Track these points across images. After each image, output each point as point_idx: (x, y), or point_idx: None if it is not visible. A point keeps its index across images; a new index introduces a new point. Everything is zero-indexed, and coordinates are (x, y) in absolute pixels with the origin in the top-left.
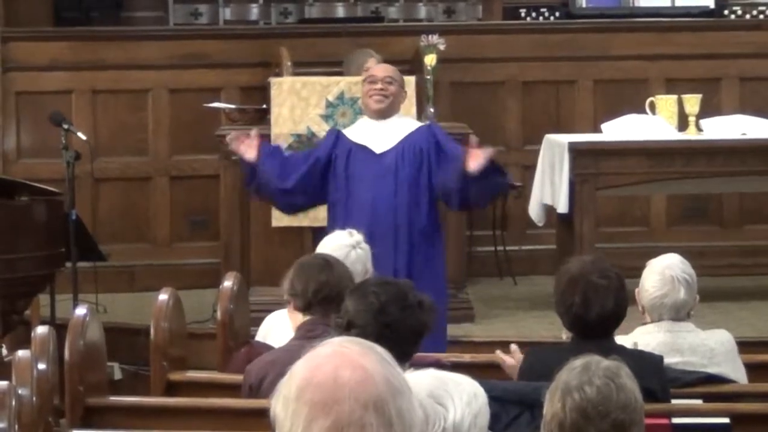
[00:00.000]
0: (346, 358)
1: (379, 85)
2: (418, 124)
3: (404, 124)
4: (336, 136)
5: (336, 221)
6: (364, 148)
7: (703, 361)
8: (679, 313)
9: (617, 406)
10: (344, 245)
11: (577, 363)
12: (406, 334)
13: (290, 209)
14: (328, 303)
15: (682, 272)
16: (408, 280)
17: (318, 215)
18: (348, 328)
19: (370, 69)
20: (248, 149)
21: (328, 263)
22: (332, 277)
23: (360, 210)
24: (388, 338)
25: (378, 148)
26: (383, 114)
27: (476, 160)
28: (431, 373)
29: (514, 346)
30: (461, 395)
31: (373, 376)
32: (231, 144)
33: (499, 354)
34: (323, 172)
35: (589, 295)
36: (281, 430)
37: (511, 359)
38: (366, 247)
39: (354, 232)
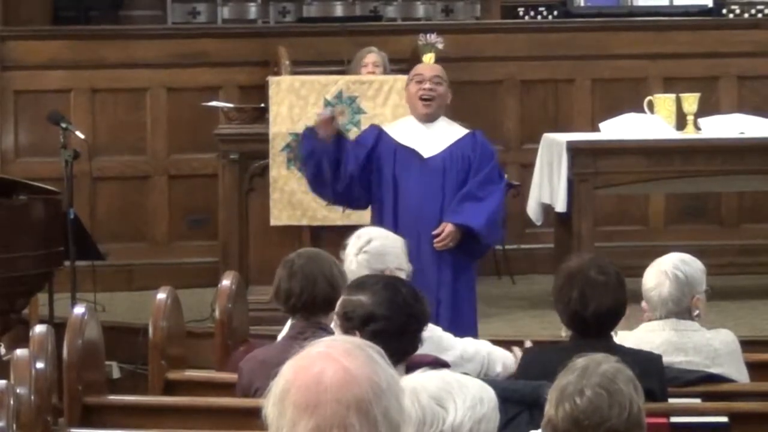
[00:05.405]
0: (331, 358)
1: (427, 85)
2: (465, 131)
3: (452, 130)
4: (378, 134)
5: (383, 221)
6: (410, 151)
7: (706, 362)
8: (675, 308)
9: (610, 416)
10: (349, 254)
11: (578, 365)
12: (418, 325)
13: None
14: (304, 308)
15: (673, 268)
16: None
17: (317, 214)
18: (366, 323)
19: (417, 67)
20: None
21: (293, 271)
22: (295, 284)
23: (408, 213)
24: (409, 330)
25: (425, 152)
26: (430, 117)
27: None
28: (440, 374)
29: (516, 349)
30: (465, 398)
31: (356, 376)
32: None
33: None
34: (362, 171)
35: (587, 291)
36: (271, 431)
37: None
38: (375, 245)
39: (363, 234)
